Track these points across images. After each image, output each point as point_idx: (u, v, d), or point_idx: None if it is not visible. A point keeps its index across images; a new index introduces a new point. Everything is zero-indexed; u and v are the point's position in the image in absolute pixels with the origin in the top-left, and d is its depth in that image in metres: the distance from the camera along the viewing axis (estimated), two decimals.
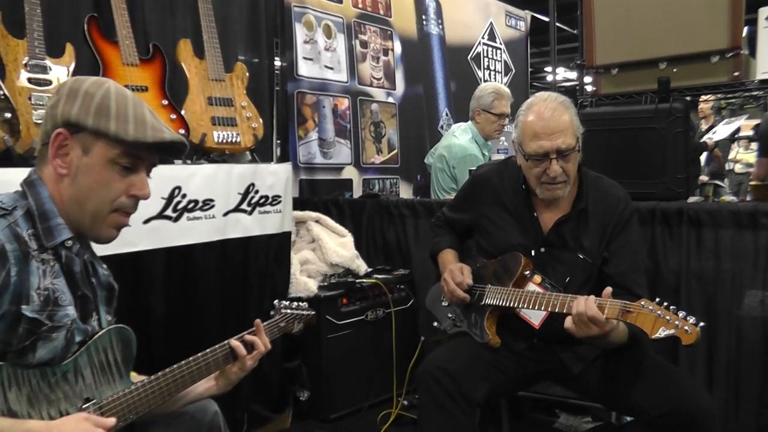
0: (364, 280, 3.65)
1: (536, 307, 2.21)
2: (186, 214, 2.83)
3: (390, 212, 3.97)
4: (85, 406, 1.51)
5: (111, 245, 2.35)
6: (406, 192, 5.31)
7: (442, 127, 5.74)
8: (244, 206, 3.07)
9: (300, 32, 4.48)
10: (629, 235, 2.36)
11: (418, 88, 5.56)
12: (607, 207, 2.36)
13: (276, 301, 2.15)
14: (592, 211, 2.36)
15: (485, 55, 6.43)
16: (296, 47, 4.44)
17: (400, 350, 3.63)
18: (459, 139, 4.28)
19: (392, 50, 5.29)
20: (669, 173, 2.96)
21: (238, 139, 3.10)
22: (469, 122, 4.37)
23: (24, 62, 2.50)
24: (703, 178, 6.93)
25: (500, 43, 6.65)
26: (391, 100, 5.25)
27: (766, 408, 2.68)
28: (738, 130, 7.12)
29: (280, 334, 2.08)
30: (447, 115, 5.86)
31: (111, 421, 1.47)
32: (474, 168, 3.64)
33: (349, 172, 4.85)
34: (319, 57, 4.61)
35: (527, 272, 2.32)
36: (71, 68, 2.64)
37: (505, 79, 6.71)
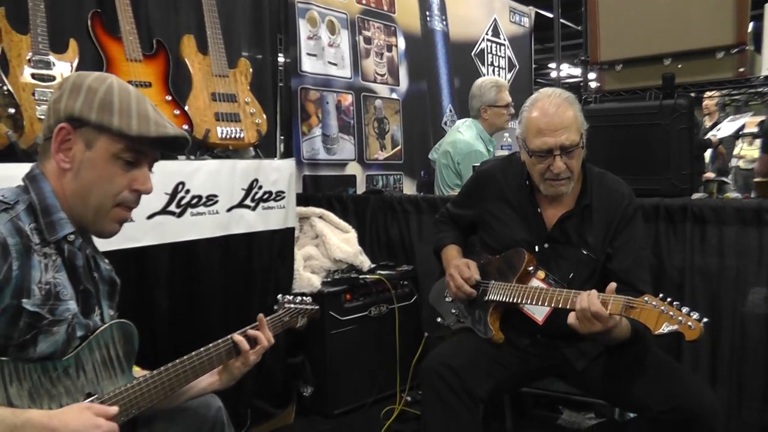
0: (368, 276, 3.65)
1: (540, 303, 2.21)
2: (189, 210, 2.83)
3: (393, 208, 3.97)
4: (86, 401, 1.51)
5: (115, 240, 2.35)
6: (409, 188, 5.31)
7: (445, 124, 5.74)
8: (247, 202, 3.06)
9: (303, 28, 4.47)
10: (633, 232, 2.36)
11: (422, 84, 5.55)
12: (611, 203, 2.36)
13: (279, 296, 2.14)
14: (596, 207, 2.35)
15: (489, 51, 6.42)
16: (300, 43, 4.44)
17: (404, 346, 3.63)
18: (464, 135, 4.27)
19: (396, 46, 5.28)
20: (673, 170, 2.96)
21: (242, 135, 3.10)
22: (473, 120, 4.36)
23: (27, 58, 2.49)
24: (710, 175, 6.91)
25: (504, 39, 6.64)
26: (394, 96, 5.25)
27: None
28: (743, 127, 7.10)
29: (283, 328, 2.07)
30: (451, 111, 5.85)
31: (113, 409, 1.48)
32: (478, 164, 3.64)
33: (353, 168, 4.85)
34: (322, 53, 4.61)
35: (531, 268, 2.32)
36: (75, 64, 2.64)
37: (508, 76, 6.70)
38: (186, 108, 2.93)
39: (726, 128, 7.04)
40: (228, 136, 3.05)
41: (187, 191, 2.81)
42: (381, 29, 5.15)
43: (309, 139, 4.50)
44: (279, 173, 3.20)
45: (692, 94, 3.23)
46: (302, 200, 3.92)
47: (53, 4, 2.67)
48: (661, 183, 2.97)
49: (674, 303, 1.87)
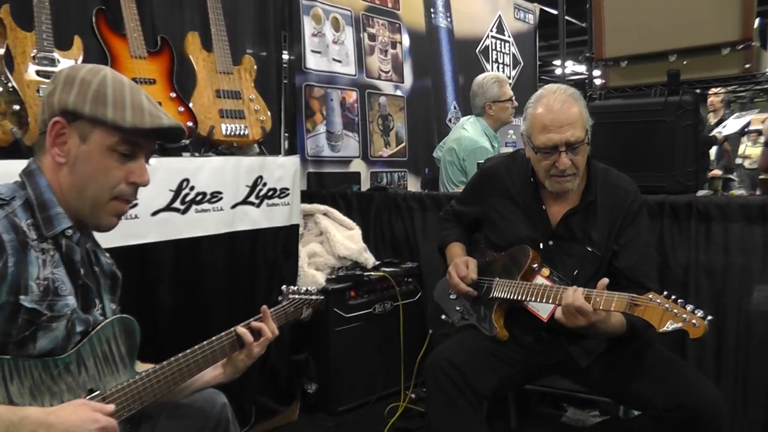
0: (372, 273, 3.65)
1: (544, 300, 2.21)
2: (194, 207, 2.83)
3: (398, 205, 3.97)
4: (88, 397, 1.50)
5: (119, 237, 2.36)
6: (413, 185, 5.31)
7: (450, 121, 5.73)
8: (252, 199, 3.07)
9: (308, 25, 4.47)
10: (639, 228, 2.35)
11: (427, 81, 5.55)
12: (616, 200, 2.35)
13: (284, 287, 2.12)
14: (601, 204, 2.35)
15: (494, 48, 6.41)
16: (304, 40, 4.44)
17: (408, 343, 3.63)
18: (468, 131, 4.27)
19: (400, 43, 5.28)
20: (678, 166, 2.95)
21: (246, 132, 3.10)
22: (477, 117, 4.35)
23: (32, 55, 2.50)
24: (717, 172, 6.89)
25: (509, 36, 6.63)
26: (399, 93, 5.24)
27: None
28: (748, 124, 7.07)
29: (287, 320, 2.05)
30: (455, 108, 5.85)
31: (110, 407, 1.46)
32: (483, 161, 3.63)
33: (357, 165, 4.86)
34: (327, 50, 4.60)
35: (535, 265, 2.32)
36: (79, 61, 2.64)
37: (513, 72, 6.69)
38: (190, 105, 2.93)
39: (731, 125, 7.01)
40: (232, 133, 3.05)
41: (192, 188, 2.82)
42: (385, 26, 5.14)
43: (313, 136, 4.51)
44: (283, 170, 3.20)
45: (697, 91, 3.22)
46: (306, 197, 3.92)
47: (58, 1, 2.67)
48: (666, 180, 2.96)
49: (679, 300, 1.87)
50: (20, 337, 1.43)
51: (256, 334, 1.86)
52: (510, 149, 5.33)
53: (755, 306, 2.69)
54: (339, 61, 4.71)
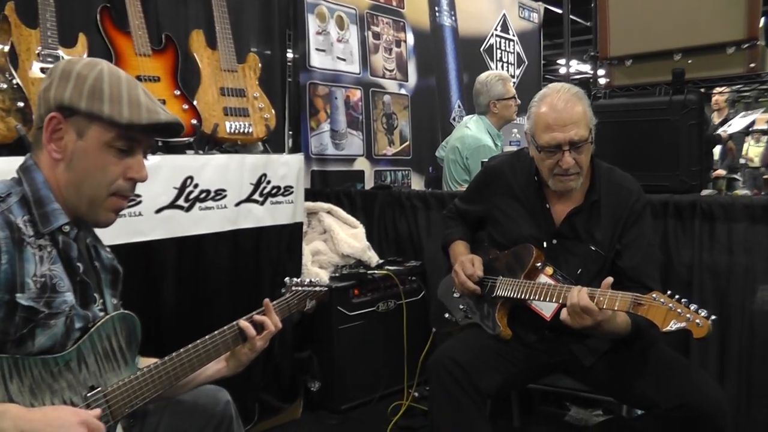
0: (376, 272, 3.66)
1: (547, 299, 2.21)
2: (198, 204, 2.84)
3: (402, 204, 3.97)
4: (90, 394, 1.49)
5: (123, 234, 2.36)
6: (417, 184, 5.31)
7: (454, 119, 5.73)
8: (256, 196, 3.07)
9: (312, 23, 4.47)
10: (642, 228, 2.35)
11: (431, 79, 5.54)
12: (619, 199, 2.35)
13: (287, 279, 2.08)
14: (605, 203, 2.35)
15: (498, 46, 6.41)
16: (309, 38, 4.44)
17: (411, 342, 3.63)
18: (472, 129, 4.26)
19: (405, 42, 5.27)
20: (683, 166, 2.94)
21: (251, 130, 3.10)
22: (480, 116, 4.35)
23: (37, 52, 2.50)
24: (721, 172, 6.88)
25: (513, 35, 6.62)
26: (403, 91, 5.24)
27: None
28: (752, 123, 7.06)
29: (291, 312, 2.02)
30: (459, 107, 5.85)
31: (94, 412, 1.44)
32: (487, 159, 3.63)
33: (361, 164, 4.85)
34: (331, 48, 4.60)
35: (539, 264, 2.32)
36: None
37: (517, 71, 6.68)
38: (195, 103, 2.94)
39: (737, 124, 7.01)
40: (236, 131, 3.05)
41: (196, 186, 2.82)
42: (390, 25, 5.14)
43: (317, 135, 4.50)
44: (287, 168, 3.20)
45: (702, 90, 3.21)
46: (310, 195, 3.92)
47: None
48: (671, 179, 2.96)
49: (682, 300, 1.86)
50: (18, 335, 1.41)
51: (259, 327, 1.84)
52: (514, 148, 5.34)
53: (759, 306, 2.69)
54: (343, 60, 4.71)
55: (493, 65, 6.28)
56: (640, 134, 3.04)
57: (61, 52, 2.57)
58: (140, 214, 2.62)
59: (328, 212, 3.86)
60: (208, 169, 2.87)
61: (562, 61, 11.49)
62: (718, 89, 4.44)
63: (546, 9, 7.23)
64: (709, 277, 2.79)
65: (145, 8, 2.90)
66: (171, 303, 2.81)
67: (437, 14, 5.64)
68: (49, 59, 2.52)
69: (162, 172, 2.68)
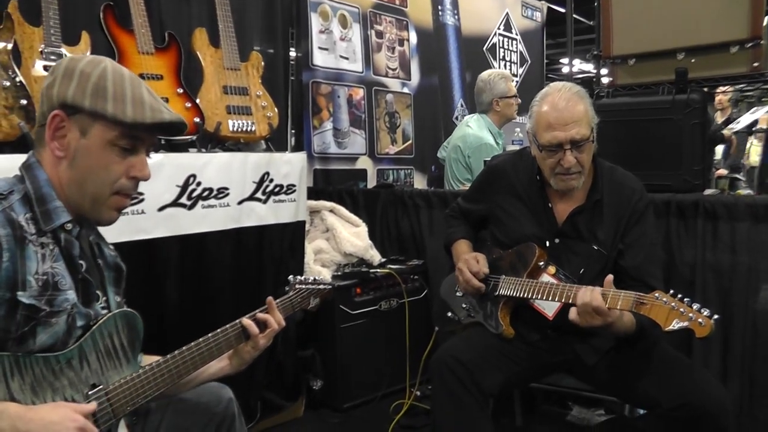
0: (378, 270, 3.66)
1: (550, 298, 2.21)
2: (201, 202, 2.84)
3: (404, 202, 3.97)
4: (91, 392, 1.49)
5: (126, 232, 2.36)
6: (420, 182, 5.31)
7: (457, 118, 5.73)
8: (258, 195, 3.07)
9: (315, 22, 4.48)
10: (644, 227, 2.35)
11: (434, 78, 5.54)
12: (621, 198, 2.35)
13: (291, 277, 2.07)
14: (607, 202, 2.34)
15: (501, 45, 6.41)
16: (311, 37, 4.44)
17: (414, 340, 3.63)
18: (473, 128, 4.26)
19: (408, 40, 5.27)
20: (685, 165, 2.94)
21: (253, 128, 3.11)
22: (481, 114, 4.35)
23: (40, 50, 2.50)
24: (723, 171, 6.87)
25: (516, 34, 6.62)
26: (406, 90, 5.24)
27: None
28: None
29: (294, 310, 2.01)
30: (462, 106, 5.85)
31: (90, 406, 1.44)
32: (489, 158, 3.63)
33: (364, 162, 4.86)
34: (334, 47, 4.61)
35: (541, 263, 2.32)
36: None
37: (520, 70, 6.69)
38: (197, 101, 2.94)
39: (745, 120, 7.00)
40: (239, 129, 3.05)
41: (198, 184, 2.82)
42: (393, 23, 5.14)
43: (320, 133, 4.51)
44: (290, 166, 3.20)
45: (705, 89, 3.21)
46: (313, 194, 3.92)
47: None
48: (673, 178, 2.96)
49: (685, 299, 1.86)
50: (19, 333, 1.41)
51: (262, 325, 1.84)
52: (516, 147, 5.34)
53: (762, 305, 2.68)
54: (346, 58, 4.71)
55: (496, 64, 6.28)
56: (643, 133, 3.04)
57: (64, 49, 2.57)
58: (143, 212, 2.62)
59: (331, 211, 3.86)
60: (211, 167, 2.87)
61: (565, 60, 11.48)
62: (722, 89, 4.43)
63: (549, 8, 7.23)
64: (712, 276, 2.79)
65: (148, 6, 2.90)
66: (174, 301, 2.81)
67: (440, 13, 5.64)
68: (52, 57, 2.52)
69: (165, 170, 2.68)
